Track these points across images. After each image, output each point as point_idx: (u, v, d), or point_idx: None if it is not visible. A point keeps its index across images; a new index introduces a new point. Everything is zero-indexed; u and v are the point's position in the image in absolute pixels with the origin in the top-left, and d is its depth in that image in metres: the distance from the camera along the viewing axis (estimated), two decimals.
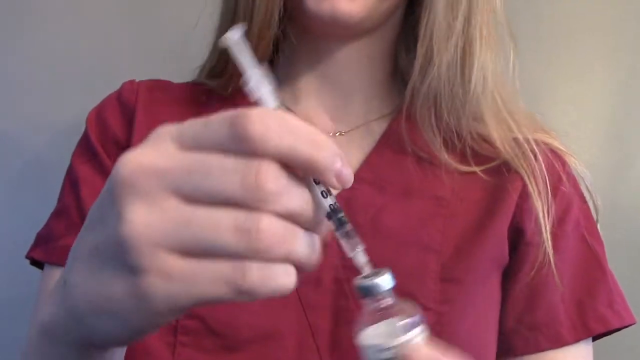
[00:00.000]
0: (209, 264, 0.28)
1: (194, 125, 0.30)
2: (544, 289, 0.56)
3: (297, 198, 0.29)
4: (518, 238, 0.56)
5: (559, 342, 0.55)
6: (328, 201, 0.31)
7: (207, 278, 0.28)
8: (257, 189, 0.27)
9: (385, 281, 0.33)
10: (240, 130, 0.28)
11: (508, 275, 0.57)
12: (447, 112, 0.57)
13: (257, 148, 0.28)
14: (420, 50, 0.57)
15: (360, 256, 0.33)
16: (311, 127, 0.29)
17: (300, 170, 0.30)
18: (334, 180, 0.30)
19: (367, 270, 0.33)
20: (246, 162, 0.28)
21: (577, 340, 0.56)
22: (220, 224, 0.28)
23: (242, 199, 0.28)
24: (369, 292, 0.32)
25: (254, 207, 0.28)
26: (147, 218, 0.28)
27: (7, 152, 0.89)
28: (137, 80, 0.66)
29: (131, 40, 0.89)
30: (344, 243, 0.32)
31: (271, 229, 0.28)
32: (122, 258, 0.29)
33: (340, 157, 0.30)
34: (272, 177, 0.28)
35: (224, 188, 0.28)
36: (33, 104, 0.89)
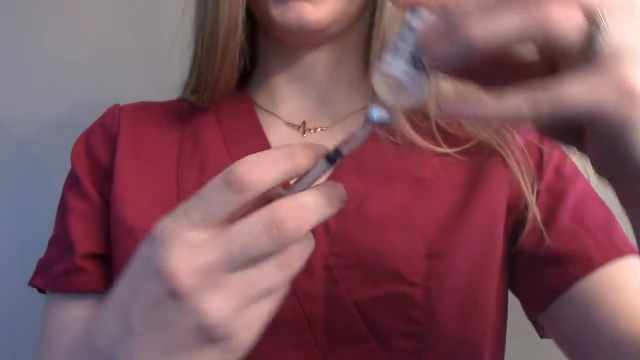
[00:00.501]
0: (267, 298, 0.35)
1: (196, 206, 0.34)
2: (554, 226, 0.57)
3: (313, 210, 0.34)
4: (518, 204, 0.58)
5: (591, 266, 0.55)
6: (320, 167, 0.36)
7: (271, 306, 0.35)
8: (283, 236, 0.33)
9: (376, 113, 0.35)
10: (237, 185, 0.33)
11: (517, 234, 0.58)
12: None
13: (254, 189, 0.33)
14: (375, 47, 0.60)
15: (362, 132, 0.36)
16: (279, 148, 0.35)
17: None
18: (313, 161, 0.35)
19: (370, 126, 0.36)
20: (264, 218, 0.33)
21: (608, 259, 0.55)
22: (271, 274, 0.34)
23: (278, 248, 0.33)
24: (383, 122, 0.35)
25: (289, 244, 0.34)
26: (221, 302, 0.33)
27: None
28: (121, 104, 0.69)
29: (127, 36, 0.92)
30: (353, 147, 0.36)
31: (299, 249, 0.34)
32: (210, 338, 0.33)
33: (308, 147, 0.35)
34: (287, 217, 0.33)
35: (262, 250, 0.33)
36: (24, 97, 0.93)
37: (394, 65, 0.34)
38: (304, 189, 0.35)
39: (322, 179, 0.37)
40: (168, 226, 0.34)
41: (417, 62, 0.33)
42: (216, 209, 0.33)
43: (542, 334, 0.62)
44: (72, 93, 0.93)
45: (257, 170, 0.33)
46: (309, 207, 0.34)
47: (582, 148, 0.35)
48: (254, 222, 0.33)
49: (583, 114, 0.30)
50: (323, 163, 0.36)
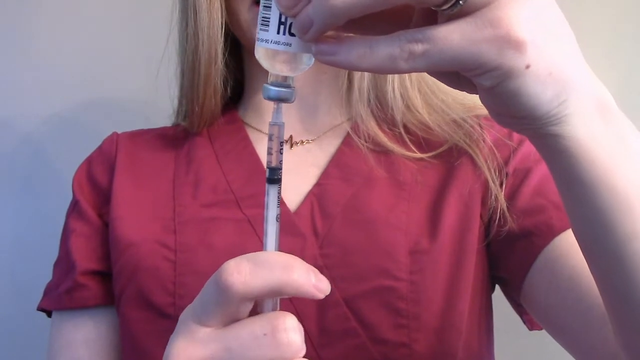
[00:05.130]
0: None
1: (198, 299, 0.35)
2: (517, 203, 0.59)
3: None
4: (489, 196, 0.60)
5: (552, 233, 0.57)
6: (273, 192, 0.37)
7: None
8: (290, 344, 0.33)
9: (273, 90, 0.36)
10: (222, 285, 0.33)
11: (491, 222, 0.60)
12: (378, 109, 0.64)
13: (238, 294, 0.33)
14: None
15: (275, 117, 0.37)
16: (280, 254, 0.34)
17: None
18: (315, 293, 0.34)
19: (276, 106, 0.37)
20: (271, 323, 0.33)
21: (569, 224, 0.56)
22: None
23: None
24: (277, 96, 0.36)
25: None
26: None
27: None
28: (118, 132, 0.72)
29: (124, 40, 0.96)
30: (280, 142, 0.37)
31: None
32: None
33: (313, 272, 0.34)
34: (299, 328, 0.33)
35: (263, 354, 0.32)
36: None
37: (266, 37, 0.34)
38: (274, 227, 0.36)
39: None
40: (183, 314, 0.35)
41: (288, 28, 0.33)
42: (208, 306, 0.34)
43: (530, 325, 0.64)
44: (72, 92, 0.97)
45: (245, 273, 0.33)
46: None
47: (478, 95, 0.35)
48: (257, 322, 0.33)
49: (460, 63, 0.30)
50: (271, 187, 0.36)
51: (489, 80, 0.31)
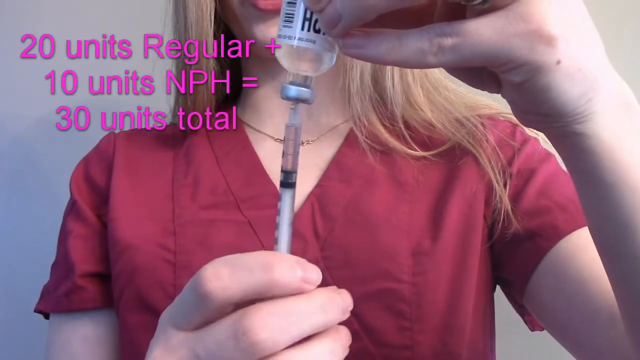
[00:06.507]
0: None
1: (175, 305, 0.34)
2: (521, 204, 0.59)
3: (294, 318, 0.31)
4: (493, 196, 0.60)
5: (558, 235, 0.56)
6: (286, 198, 0.36)
7: None
8: (252, 346, 0.30)
9: (293, 90, 0.35)
10: (201, 292, 0.31)
11: (494, 223, 0.60)
12: (378, 104, 0.64)
13: (219, 301, 0.31)
14: (340, 58, 0.62)
15: (292, 119, 0.37)
16: (259, 254, 0.32)
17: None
18: (303, 288, 0.32)
19: (294, 107, 0.36)
20: (230, 322, 0.30)
21: (576, 226, 0.56)
22: None
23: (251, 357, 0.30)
24: (297, 95, 0.35)
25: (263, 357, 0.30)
26: None
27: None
28: (116, 132, 0.72)
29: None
30: (296, 144, 0.36)
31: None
32: None
33: (298, 264, 0.32)
34: (258, 325, 0.30)
35: (231, 358, 0.30)
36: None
37: (290, 34, 0.33)
38: (287, 232, 0.35)
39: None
40: (162, 318, 0.34)
41: (313, 24, 0.33)
42: (187, 312, 0.32)
43: (532, 326, 0.64)
44: (68, 92, 0.96)
45: (224, 278, 0.31)
46: (288, 314, 0.31)
47: (502, 93, 0.35)
48: (221, 326, 0.31)
49: (491, 57, 0.30)
50: (286, 192, 0.35)
51: (519, 76, 0.31)
